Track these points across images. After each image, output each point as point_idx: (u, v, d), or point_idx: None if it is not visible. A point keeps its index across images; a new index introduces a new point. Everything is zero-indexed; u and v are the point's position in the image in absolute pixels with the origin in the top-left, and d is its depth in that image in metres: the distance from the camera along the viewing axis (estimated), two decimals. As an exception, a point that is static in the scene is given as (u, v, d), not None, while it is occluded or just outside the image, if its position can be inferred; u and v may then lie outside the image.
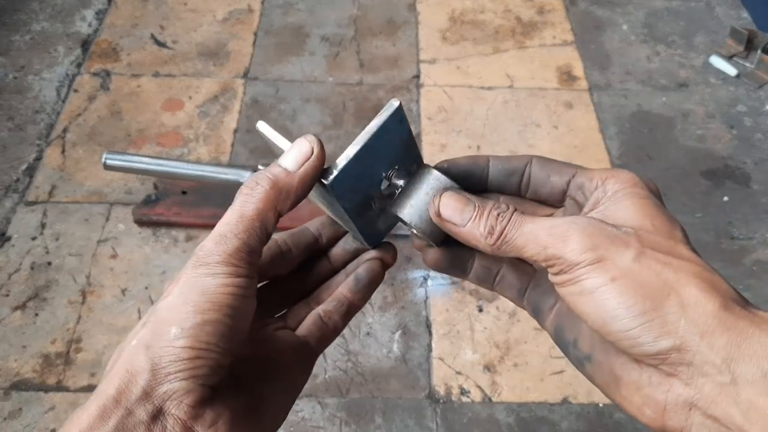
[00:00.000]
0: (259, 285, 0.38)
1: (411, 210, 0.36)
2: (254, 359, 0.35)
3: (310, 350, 0.39)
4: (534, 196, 0.36)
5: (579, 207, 0.34)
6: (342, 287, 0.40)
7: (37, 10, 1.79)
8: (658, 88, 1.64)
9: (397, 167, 0.36)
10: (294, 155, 0.34)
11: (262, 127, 0.36)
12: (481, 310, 1.20)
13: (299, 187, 0.34)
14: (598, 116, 1.56)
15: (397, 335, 1.17)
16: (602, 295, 0.28)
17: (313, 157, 0.34)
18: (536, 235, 0.31)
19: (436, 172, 0.37)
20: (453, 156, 1.46)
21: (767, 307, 1.03)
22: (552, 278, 0.31)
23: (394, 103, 0.34)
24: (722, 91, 1.63)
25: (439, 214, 0.34)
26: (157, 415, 0.28)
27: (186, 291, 0.30)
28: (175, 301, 0.30)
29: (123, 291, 1.22)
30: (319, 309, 0.40)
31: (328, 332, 0.40)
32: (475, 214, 0.33)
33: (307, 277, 0.41)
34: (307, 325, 0.39)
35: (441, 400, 1.10)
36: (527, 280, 0.38)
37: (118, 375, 0.29)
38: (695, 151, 1.50)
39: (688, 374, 0.27)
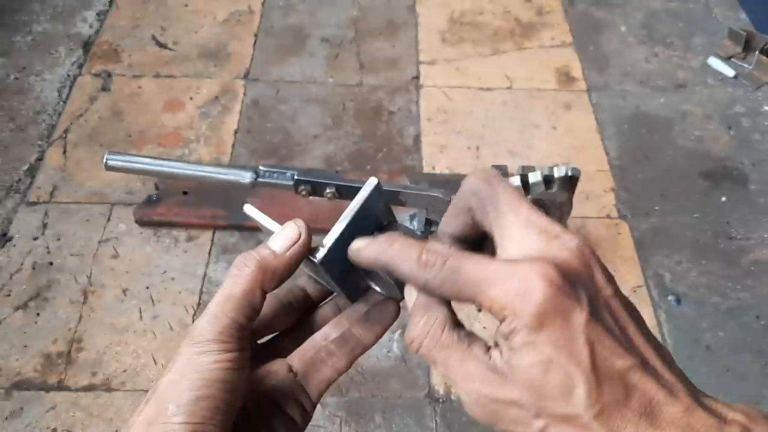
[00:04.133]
0: (264, 340, 0.41)
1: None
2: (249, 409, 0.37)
3: (304, 393, 0.39)
4: None
5: None
6: (351, 323, 0.40)
7: (38, 11, 1.79)
8: (657, 89, 1.65)
9: (376, 232, 0.39)
10: (282, 239, 0.37)
11: (249, 210, 0.39)
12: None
13: (286, 269, 0.36)
14: (596, 117, 1.57)
15: (396, 335, 1.18)
16: None
17: (300, 241, 0.36)
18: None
19: (403, 226, 0.40)
20: (452, 156, 1.45)
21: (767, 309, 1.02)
22: None
23: (373, 181, 0.37)
24: (720, 92, 1.64)
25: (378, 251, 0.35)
26: None
27: (182, 369, 0.33)
28: (173, 378, 0.33)
29: (124, 291, 1.22)
30: (322, 345, 0.40)
31: (327, 371, 0.39)
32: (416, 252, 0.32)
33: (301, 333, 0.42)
34: (303, 357, 0.39)
35: (440, 399, 1.11)
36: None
37: None
38: (693, 152, 1.50)
39: None
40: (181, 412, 0.32)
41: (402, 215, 1.33)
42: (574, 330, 0.27)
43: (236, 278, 0.35)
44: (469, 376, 0.30)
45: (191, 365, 0.33)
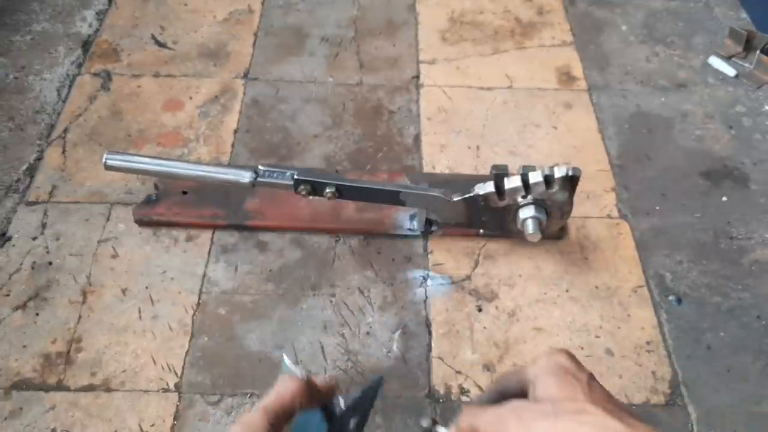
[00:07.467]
0: None
1: None
2: None
3: None
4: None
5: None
6: None
7: (37, 10, 1.79)
8: (657, 88, 1.64)
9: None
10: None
11: (288, 362, 0.53)
12: (480, 310, 1.20)
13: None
14: (597, 117, 1.57)
15: (396, 335, 1.17)
16: None
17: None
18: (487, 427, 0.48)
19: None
20: (452, 156, 1.44)
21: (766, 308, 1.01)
22: None
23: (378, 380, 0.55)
24: (721, 92, 1.64)
25: None
26: None
27: None
28: None
29: (123, 291, 1.22)
30: None
31: None
32: None
33: None
34: None
35: (441, 400, 1.11)
36: None
37: None
38: (694, 152, 1.50)
39: None
40: None
41: (402, 215, 1.32)
42: (581, 376, 0.50)
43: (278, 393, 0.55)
44: (512, 406, 0.49)
45: None
